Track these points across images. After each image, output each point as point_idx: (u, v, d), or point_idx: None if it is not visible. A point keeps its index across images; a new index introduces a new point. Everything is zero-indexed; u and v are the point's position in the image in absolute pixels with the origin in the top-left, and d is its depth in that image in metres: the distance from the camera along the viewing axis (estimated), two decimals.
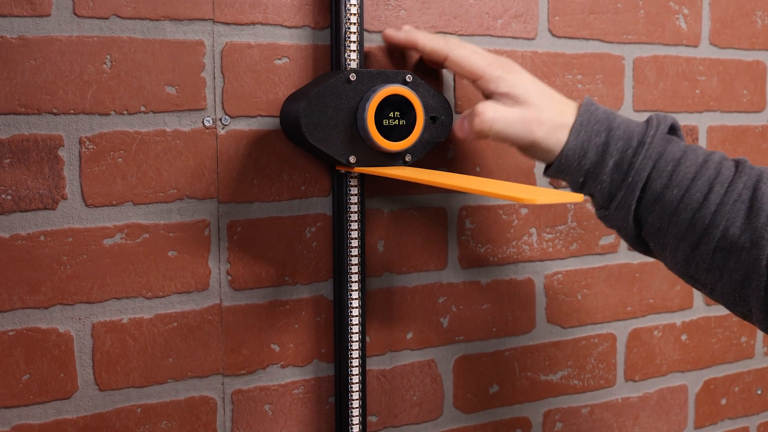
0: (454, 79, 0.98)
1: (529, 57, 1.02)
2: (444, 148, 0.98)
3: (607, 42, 1.07)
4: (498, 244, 1.03)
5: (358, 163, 0.84)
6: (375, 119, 0.83)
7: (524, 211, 1.04)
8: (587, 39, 1.06)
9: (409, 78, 0.85)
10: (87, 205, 0.82)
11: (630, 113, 1.10)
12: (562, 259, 1.08)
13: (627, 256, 1.12)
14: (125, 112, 0.83)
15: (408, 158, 0.87)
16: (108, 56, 0.82)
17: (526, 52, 1.02)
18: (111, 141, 0.83)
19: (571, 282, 1.09)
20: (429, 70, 0.96)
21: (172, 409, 0.88)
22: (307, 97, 0.81)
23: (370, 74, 0.84)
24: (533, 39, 1.02)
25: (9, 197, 0.79)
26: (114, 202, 0.83)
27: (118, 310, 0.85)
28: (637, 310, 1.14)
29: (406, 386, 1.00)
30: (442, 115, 0.88)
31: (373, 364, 0.98)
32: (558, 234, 1.07)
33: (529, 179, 1.04)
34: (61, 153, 0.81)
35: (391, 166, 0.87)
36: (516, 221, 1.04)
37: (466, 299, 1.02)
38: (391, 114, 0.84)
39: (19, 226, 0.80)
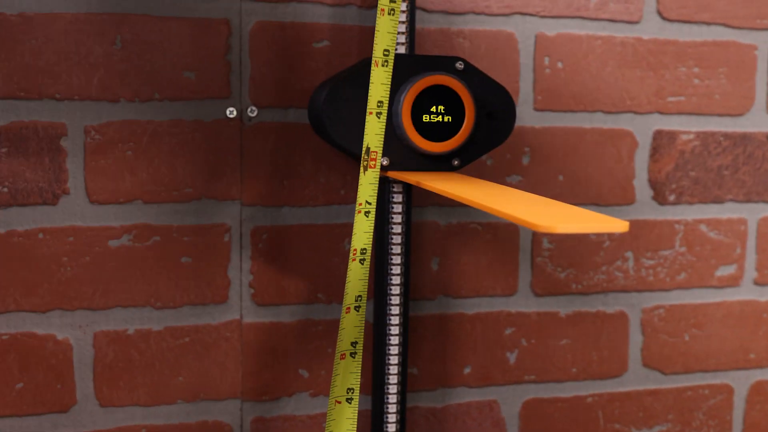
0: (534, 68, 0.82)
1: (630, 44, 0.84)
2: None
3: (734, 27, 0.87)
4: (583, 269, 0.86)
5: (392, 166, 0.71)
6: (412, 114, 0.69)
7: None
8: (708, 23, 0.86)
9: (459, 65, 0.71)
10: (91, 202, 0.74)
11: (762, 116, 0.89)
12: (665, 290, 0.89)
13: (752, 292, 0.91)
14: (136, 99, 0.74)
15: (456, 163, 0.73)
16: (118, 36, 0.73)
17: (627, 39, 0.84)
18: (120, 131, 0.74)
19: (676, 319, 0.90)
20: (503, 57, 0.81)
21: None
22: (330, 86, 0.69)
23: (411, 59, 0.70)
24: (637, 23, 0.84)
25: (6, 190, 0.72)
26: (121, 200, 0.75)
27: (124, 320, 0.76)
28: (762, 359, 0.93)
29: (461, 429, 0.85)
30: (500, 111, 0.72)
31: (421, 401, 0.84)
32: (662, 260, 0.88)
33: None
34: (64, 143, 0.73)
35: (435, 171, 0.72)
36: (608, 242, 0.86)
37: (539, 332, 0.86)
38: (434, 108, 0.70)
39: (16, 221, 0.73)
